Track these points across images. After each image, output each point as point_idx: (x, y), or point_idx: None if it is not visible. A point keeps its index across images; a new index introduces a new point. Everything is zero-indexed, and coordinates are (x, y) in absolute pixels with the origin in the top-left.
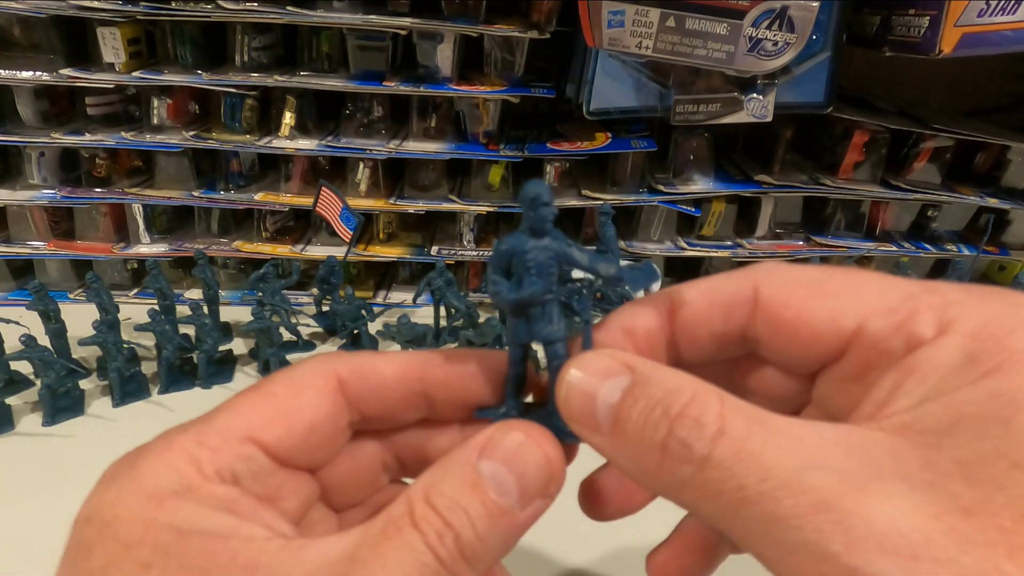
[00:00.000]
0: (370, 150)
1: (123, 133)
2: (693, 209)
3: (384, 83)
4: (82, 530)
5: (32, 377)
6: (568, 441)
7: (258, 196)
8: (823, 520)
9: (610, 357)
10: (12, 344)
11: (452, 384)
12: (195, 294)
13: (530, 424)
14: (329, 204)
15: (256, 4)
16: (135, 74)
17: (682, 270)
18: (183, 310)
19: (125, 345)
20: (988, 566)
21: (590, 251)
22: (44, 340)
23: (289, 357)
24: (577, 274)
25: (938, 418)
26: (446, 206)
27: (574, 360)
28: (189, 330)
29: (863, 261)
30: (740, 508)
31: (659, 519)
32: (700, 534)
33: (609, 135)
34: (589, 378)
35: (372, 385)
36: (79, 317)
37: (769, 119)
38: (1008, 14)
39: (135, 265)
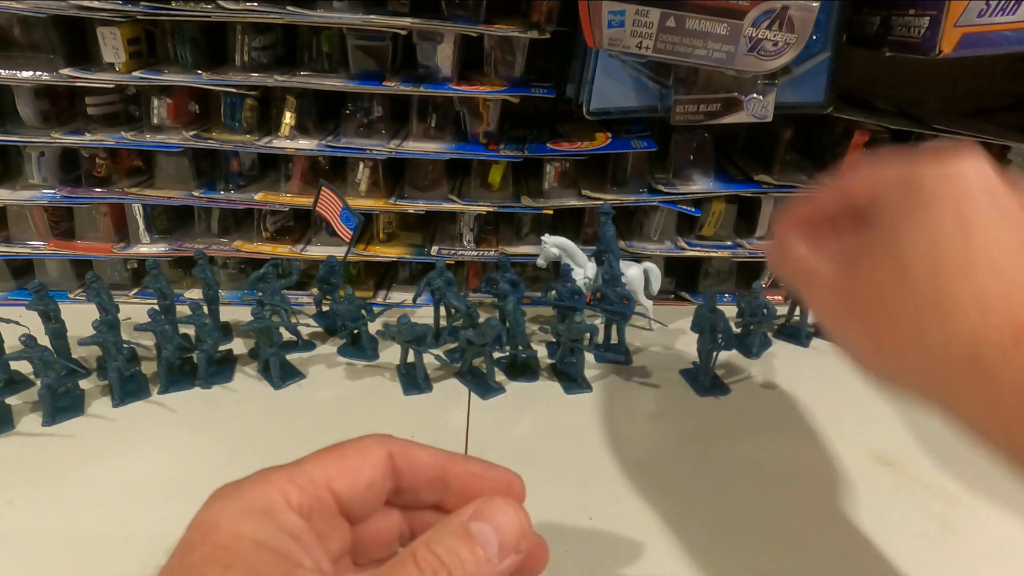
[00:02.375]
0: (370, 150)
1: (123, 133)
2: (693, 209)
3: (384, 83)
4: (192, 531)
5: (32, 377)
6: None
7: (258, 196)
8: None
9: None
10: (12, 344)
11: (463, 478)
12: (195, 294)
13: (509, 500)
14: (329, 204)
15: (256, 4)
16: (135, 74)
17: (682, 270)
18: (183, 310)
19: (125, 345)
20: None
21: None
22: (44, 340)
23: (289, 357)
24: (577, 276)
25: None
26: (446, 206)
27: None
28: (189, 330)
29: None
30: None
31: (656, 520)
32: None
33: (609, 135)
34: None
35: (410, 462)
36: (79, 317)
37: (769, 119)
38: (1008, 14)
39: (135, 265)
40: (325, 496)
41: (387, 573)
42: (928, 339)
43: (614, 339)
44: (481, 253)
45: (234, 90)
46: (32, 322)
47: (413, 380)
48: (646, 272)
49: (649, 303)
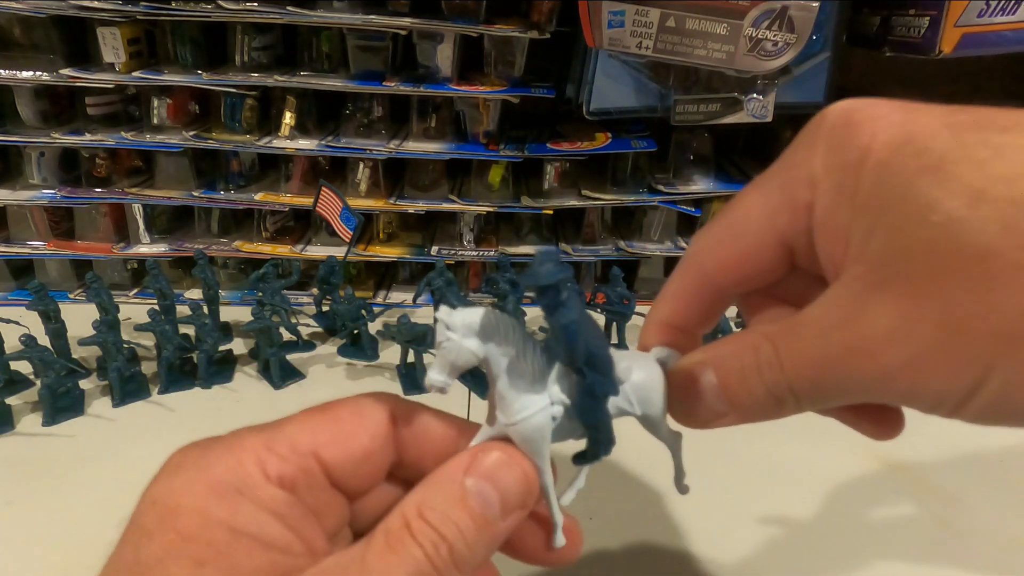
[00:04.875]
0: (370, 150)
1: (123, 133)
2: (693, 209)
3: (384, 83)
4: (147, 513)
5: (32, 377)
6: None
7: (258, 196)
8: (860, 364)
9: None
10: (12, 344)
11: None
12: (195, 294)
13: (507, 445)
14: (329, 204)
15: (256, 4)
16: (135, 74)
17: None
18: (183, 310)
19: (125, 345)
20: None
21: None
22: (44, 340)
23: (289, 357)
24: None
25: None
26: (446, 206)
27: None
28: (189, 330)
29: None
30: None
31: (656, 520)
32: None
33: (609, 135)
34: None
35: (416, 432)
36: (79, 317)
37: (769, 119)
38: (1008, 14)
39: (135, 265)
40: (311, 466)
41: (385, 551)
42: None
43: (614, 339)
44: (481, 253)
45: (234, 90)
46: (32, 322)
47: (413, 380)
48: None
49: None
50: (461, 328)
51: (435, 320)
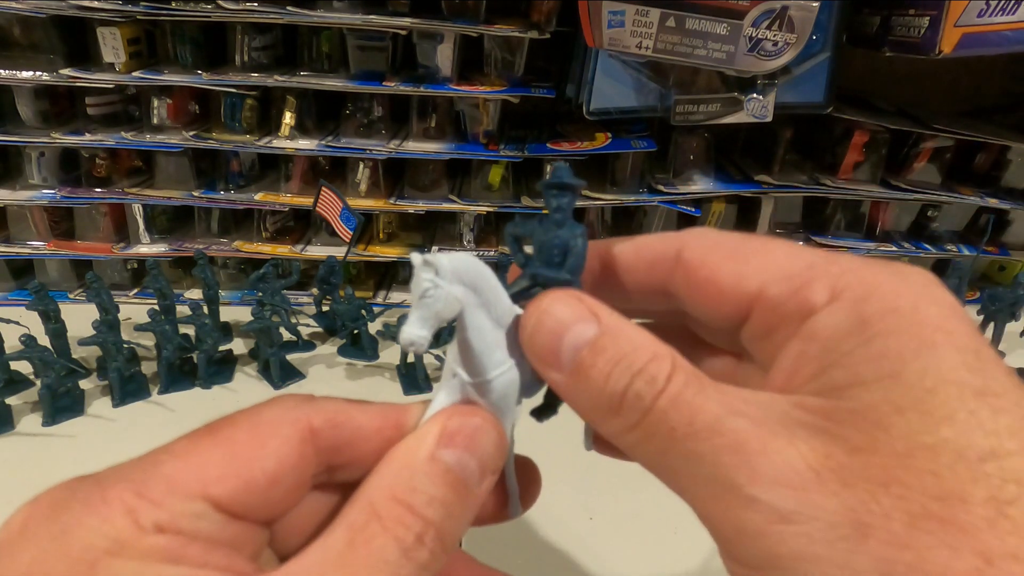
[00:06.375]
0: (370, 150)
1: (123, 133)
2: (693, 209)
3: (384, 83)
4: None
5: (32, 377)
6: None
7: (258, 196)
8: (734, 458)
9: (579, 301)
10: (12, 344)
11: None
12: (195, 294)
13: (472, 407)
14: (329, 204)
15: (256, 4)
16: (135, 74)
17: None
18: (183, 310)
19: (125, 345)
20: (865, 497)
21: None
22: (44, 340)
23: (289, 357)
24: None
25: (837, 380)
26: (446, 206)
27: (545, 297)
28: (189, 330)
29: None
30: (669, 447)
31: (656, 520)
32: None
33: (609, 135)
34: (559, 318)
35: (346, 435)
36: (79, 317)
37: (769, 119)
38: (1008, 14)
39: (135, 265)
40: (200, 510)
41: (348, 551)
42: None
43: None
44: (481, 253)
45: (234, 90)
46: (32, 322)
47: (413, 380)
48: None
49: None
50: (450, 273)
51: (414, 264)
